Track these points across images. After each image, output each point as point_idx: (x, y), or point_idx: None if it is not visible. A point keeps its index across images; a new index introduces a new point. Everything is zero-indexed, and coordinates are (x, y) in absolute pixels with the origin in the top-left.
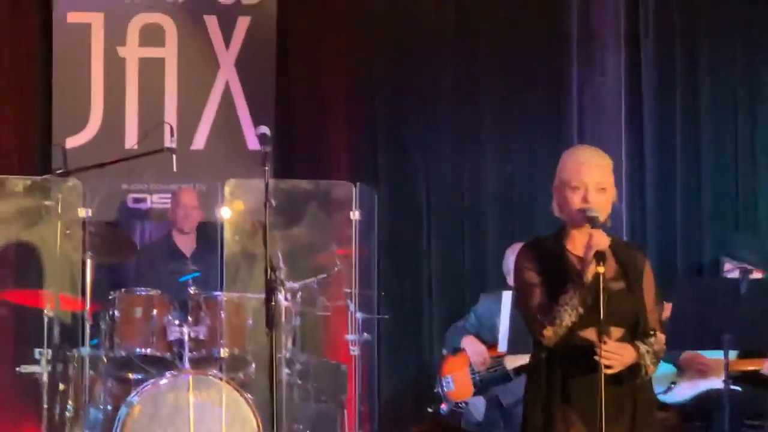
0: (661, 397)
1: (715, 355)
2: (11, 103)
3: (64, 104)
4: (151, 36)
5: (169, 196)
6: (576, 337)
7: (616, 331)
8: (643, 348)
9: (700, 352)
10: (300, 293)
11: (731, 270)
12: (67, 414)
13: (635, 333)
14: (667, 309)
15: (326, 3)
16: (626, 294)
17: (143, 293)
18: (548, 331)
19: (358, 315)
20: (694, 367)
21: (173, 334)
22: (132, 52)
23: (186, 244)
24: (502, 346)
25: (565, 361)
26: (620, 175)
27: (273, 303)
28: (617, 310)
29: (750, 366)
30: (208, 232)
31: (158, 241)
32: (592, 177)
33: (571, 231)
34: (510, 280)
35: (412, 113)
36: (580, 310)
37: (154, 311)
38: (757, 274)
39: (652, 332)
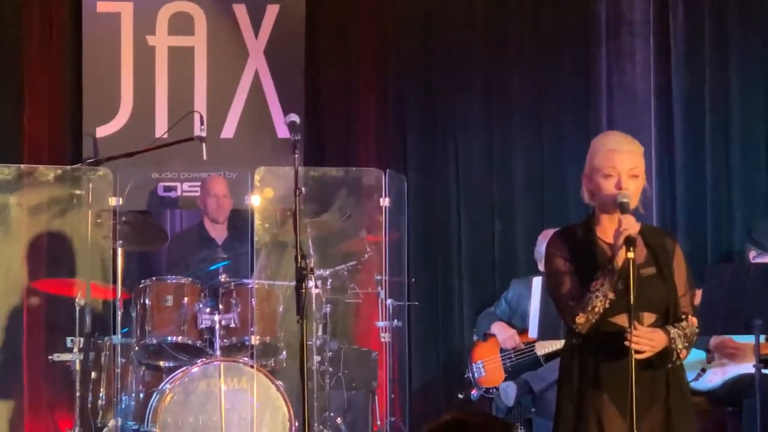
0: (692, 384)
1: (745, 339)
2: (42, 93)
3: (94, 94)
4: (181, 25)
5: (199, 184)
6: (608, 323)
7: (649, 317)
8: (674, 332)
9: (730, 336)
10: (330, 281)
11: (757, 256)
12: (100, 402)
13: (667, 318)
14: (698, 295)
15: None
16: (657, 279)
17: (174, 281)
18: (580, 318)
19: (389, 302)
20: (725, 351)
21: (204, 322)
22: (161, 41)
23: (219, 232)
24: (533, 332)
25: (597, 347)
26: (650, 161)
27: (304, 290)
28: (649, 296)
29: None
30: (238, 221)
31: (190, 230)
32: (624, 164)
33: (602, 217)
34: (541, 266)
35: (441, 100)
36: (611, 296)
37: (185, 299)
38: None
39: (683, 316)
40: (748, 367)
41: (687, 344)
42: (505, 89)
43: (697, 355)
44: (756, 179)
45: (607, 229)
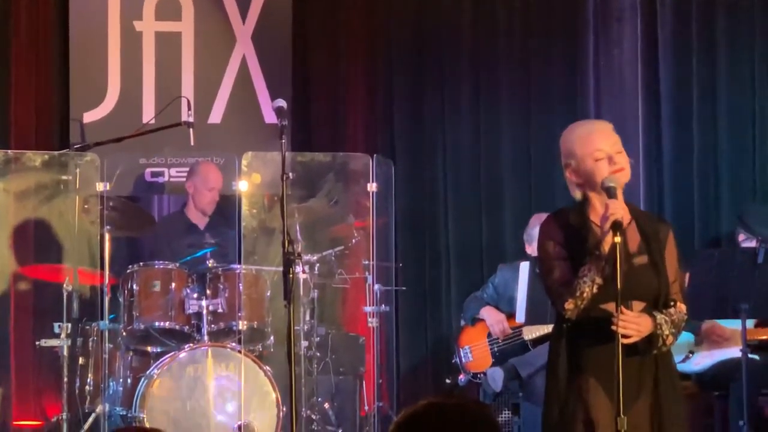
0: (679, 366)
1: (733, 325)
2: (29, 79)
3: (81, 79)
4: (168, 10)
5: (187, 170)
6: (598, 309)
7: (639, 305)
8: (660, 318)
9: (718, 322)
10: (318, 266)
11: (746, 240)
12: (87, 387)
13: (657, 306)
14: (685, 279)
15: None
16: (649, 268)
17: (161, 267)
18: (569, 304)
19: (376, 287)
20: (713, 337)
21: (192, 307)
22: (149, 27)
23: (200, 218)
24: (520, 317)
25: (586, 332)
26: (637, 147)
27: (291, 275)
28: (640, 285)
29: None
30: (225, 206)
31: (173, 216)
32: (605, 141)
33: (595, 202)
34: (529, 248)
35: (429, 85)
36: (599, 281)
37: (173, 284)
38: None
39: (672, 302)
40: (735, 352)
41: (674, 330)
42: (493, 74)
43: (685, 337)
44: (743, 164)
45: (599, 212)
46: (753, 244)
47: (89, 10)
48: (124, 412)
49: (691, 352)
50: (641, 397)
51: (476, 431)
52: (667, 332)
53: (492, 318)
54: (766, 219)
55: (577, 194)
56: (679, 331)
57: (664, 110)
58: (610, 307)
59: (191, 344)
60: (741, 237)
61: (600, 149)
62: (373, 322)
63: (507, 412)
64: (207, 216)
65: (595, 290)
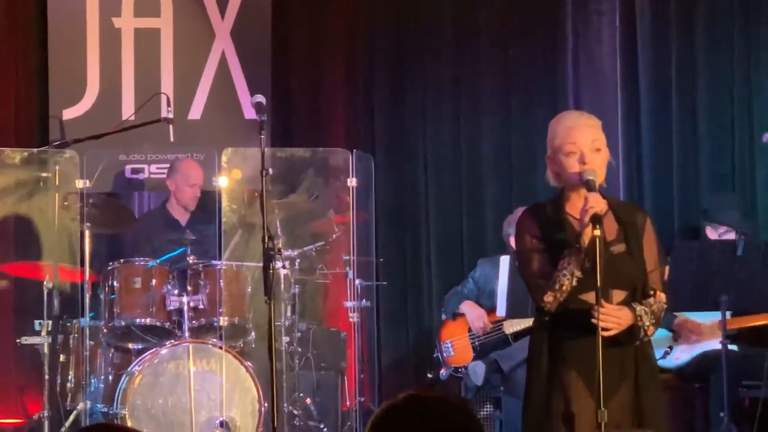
0: (659, 363)
1: (710, 317)
2: (7, 76)
3: (60, 76)
4: (147, 7)
5: (167, 165)
6: (578, 300)
7: (618, 294)
8: (640, 309)
9: (691, 315)
10: (298, 261)
11: (724, 233)
12: (69, 384)
13: (636, 296)
14: (665, 271)
15: None
16: (627, 257)
17: (142, 263)
18: (549, 297)
19: (357, 282)
20: (684, 332)
21: (172, 304)
22: (127, 23)
23: (182, 214)
24: (501, 311)
25: (566, 325)
26: (617, 139)
27: (271, 271)
28: (618, 273)
29: (747, 323)
30: (205, 201)
31: (155, 212)
32: (585, 138)
33: (571, 195)
34: (511, 242)
35: (409, 81)
36: (579, 274)
37: (153, 281)
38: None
39: (651, 292)
40: (714, 344)
41: (654, 321)
42: (473, 69)
43: (664, 333)
44: (722, 156)
45: (576, 205)
46: (732, 236)
47: (68, 7)
48: (106, 409)
49: (670, 348)
50: (622, 388)
51: (456, 423)
52: (647, 323)
53: (472, 314)
54: (726, 205)
55: (554, 182)
56: (659, 321)
57: (643, 102)
58: (590, 298)
59: (172, 341)
60: (709, 231)
61: (574, 144)
62: (354, 317)
63: (489, 406)
64: (189, 212)
65: (574, 283)
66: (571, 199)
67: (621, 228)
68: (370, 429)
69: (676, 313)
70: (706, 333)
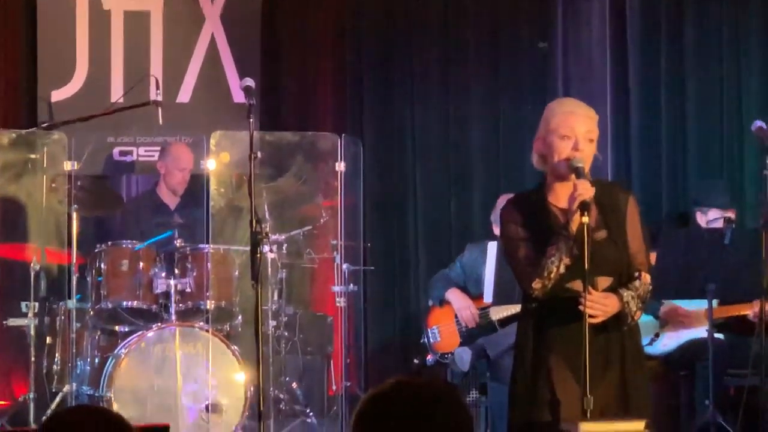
0: (646, 349)
1: (695, 306)
2: None
3: (49, 58)
4: None
5: (156, 149)
6: (565, 288)
7: (604, 281)
8: (626, 295)
9: (680, 303)
10: (286, 245)
11: (713, 221)
12: (55, 367)
13: (622, 280)
14: (652, 258)
15: None
16: (609, 242)
17: (129, 246)
18: (537, 284)
19: (345, 266)
20: (674, 319)
21: (159, 287)
22: (117, 5)
23: (172, 198)
24: (488, 297)
25: (553, 312)
26: (605, 126)
27: (258, 255)
28: (602, 260)
29: (733, 312)
30: (194, 185)
31: (144, 195)
32: (582, 126)
33: (554, 184)
34: (497, 229)
35: (398, 65)
36: (567, 261)
37: (141, 264)
38: (730, 214)
39: (636, 273)
40: (701, 332)
41: (641, 305)
42: (462, 54)
43: (650, 320)
44: (710, 144)
45: (558, 194)
46: (720, 224)
47: None
48: (92, 392)
49: (657, 335)
50: (608, 374)
51: (445, 410)
52: (634, 308)
53: (459, 303)
54: (712, 189)
55: (538, 164)
56: (645, 303)
57: (632, 89)
58: (576, 285)
59: (159, 323)
60: (699, 216)
61: (571, 129)
62: (341, 302)
63: (475, 392)
64: (178, 196)
65: (563, 270)
66: (553, 189)
67: (601, 213)
68: (357, 416)
69: (664, 301)
70: (694, 320)
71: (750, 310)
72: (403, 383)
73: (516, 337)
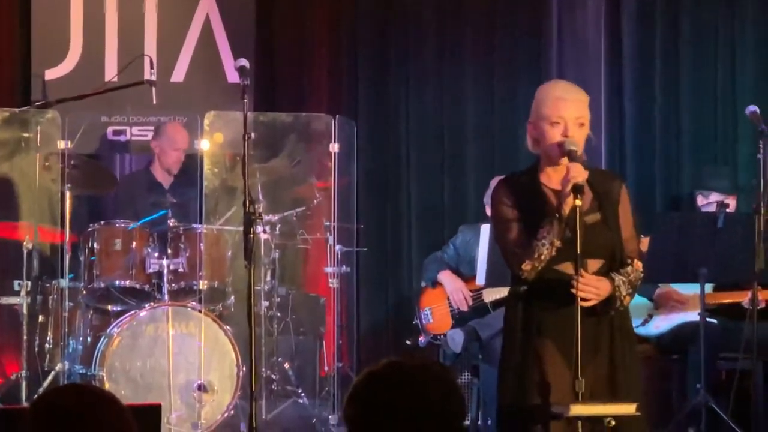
0: (638, 330)
1: (689, 290)
2: None
3: (43, 36)
4: None
5: (150, 128)
6: (553, 270)
7: (594, 264)
8: (618, 279)
9: (675, 286)
10: (279, 226)
11: (707, 205)
12: (47, 345)
13: (613, 264)
14: (645, 243)
15: None
16: (602, 226)
17: (122, 225)
18: (526, 266)
19: (338, 247)
20: (669, 302)
21: (152, 266)
22: None
23: (166, 176)
24: (480, 279)
25: (542, 294)
26: (599, 111)
27: (251, 235)
28: (594, 243)
29: (727, 299)
30: (188, 165)
31: (138, 174)
32: (571, 112)
33: (546, 167)
34: (490, 211)
35: (393, 46)
36: (558, 243)
37: (134, 243)
38: (730, 201)
39: (629, 260)
40: (693, 316)
41: (631, 290)
42: (457, 36)
43: (643, 301)
44: (704, 129)
45: (551, 176)
46: (713, 208)
47: None
48: (84, 371)
49: (650, 316)
50: (597, 357)
51: (437, 391)
52: (624, 293)
53: (451, 285)
54: (717, 174)
55: (532, 148)
56: (635, 290)
57: (626, 74)
58: (566, 268)
59: (151, 303)
60: (699, 199)
61: (560, 116)
62: (334, 283)
63: (467, 373)
64: (172, 175)
65: (553, 252)
66: (546, 171)
67: (596, 197)
68: (350, 395)
69: (660, 285)
70: (688, 305)
71: (745, 298)
72: (396, 364)
73: (504, 321)
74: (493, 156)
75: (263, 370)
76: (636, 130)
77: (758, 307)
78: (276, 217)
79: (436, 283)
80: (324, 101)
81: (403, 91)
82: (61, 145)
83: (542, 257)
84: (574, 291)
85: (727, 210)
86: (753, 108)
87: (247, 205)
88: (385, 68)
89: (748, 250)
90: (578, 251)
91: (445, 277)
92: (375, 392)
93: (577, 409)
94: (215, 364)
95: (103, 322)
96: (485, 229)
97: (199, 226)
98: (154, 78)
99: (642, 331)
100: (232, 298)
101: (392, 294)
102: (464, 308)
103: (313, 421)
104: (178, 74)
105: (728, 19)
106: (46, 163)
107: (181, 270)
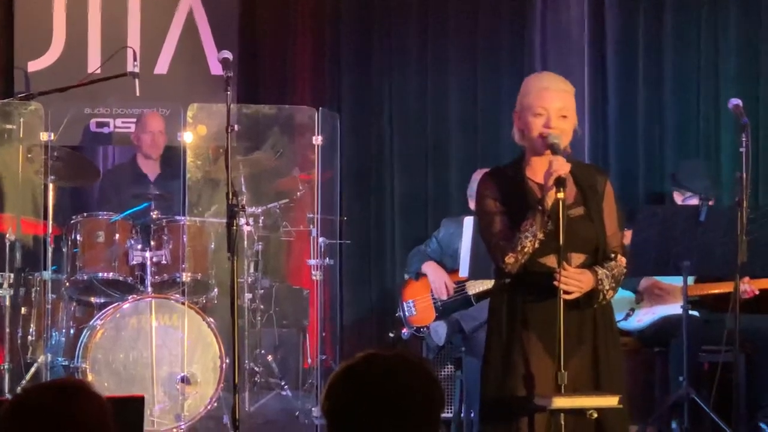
0: (621, 324)
1: (672, 281)
2: None
3: (26, 28)
4: None
5: (133, 120)
6: (537, 263)
7: (577, 257)
8: (601, 273)
9: (658, 278)
10: (262, 218)
11: (686, 199)
12: (30, 337)
13: (596, 258)
14: (628, 236)
15: None
16: (586, 220)
17: (105, 217)
18: (510, 258)
19: (321, 240)
20: (653, 293)
21: (135, 259)
22: None
23: (151, 168)
24: (464, 271)
25: (526, 287)
26: (583, 103)
27: (235, 228)
28: (577, 236)
29: (710, 290)
30: (171, 157)
31: (123, 165)
32: (554, 103)
33: (531, 158)
34: (473, 204)
35: (376, 39)
36: (541, 236)
37: (117, 235)
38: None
39: (612, 255)
40: (676, 308)
41: (614, 284)
42: (440, 29)
43: (626, 295)
44: (687, 122)
45: (536, 169)
46: (695, 201)
47: None
48: (67, 363)
49: (632, 310)
50: (580, 350)
51: (415, 382)
52: (607, 287)
53: (434, 275)
54: (695, 173)
55: (519, 140)
56: (618, 285)
57: (609, 67)
58: (549, 261)
59: (135, 295)
60: (676, 195)
61: (543, 107)
62: (317, 275)
63: (450, 366)
64: (156, 161)
65: (536, 245)
66: (531, 163)
67: (580, 191)
68: (328, 389)
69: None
70: (671, 296)
71: (729, 289)
72: (374, 356)
73: (489, 313)
74: (476, 149)
75: (246, 362)
76: (619, 125)
77: (750, 297)
78: (259, 210)
79: (419, 276)
80: (307, 93)
81: (387, 84)
82: (44, 137)
83: (525, 250)
84: (556, 284)
85: (709, 204)
86: (736, 101)
87: (230, 197)
88: (368, 61)
89: (730, 243)
90: (561, 244)
91: (429, 267)
92: (353, 384)
93: (560, 402)
94: (198, 357)
95: (86, 314)
96: (468, 222)
97: (182, 218)
98: (137, 70)
99: (624, 325)
100: (216, 290)
101: (375, 286)
102: (444, 297)
103: (296, 413)
104: (162, 66)
105: (712, 14)
106: (29, 155)
107: (164, 262)
